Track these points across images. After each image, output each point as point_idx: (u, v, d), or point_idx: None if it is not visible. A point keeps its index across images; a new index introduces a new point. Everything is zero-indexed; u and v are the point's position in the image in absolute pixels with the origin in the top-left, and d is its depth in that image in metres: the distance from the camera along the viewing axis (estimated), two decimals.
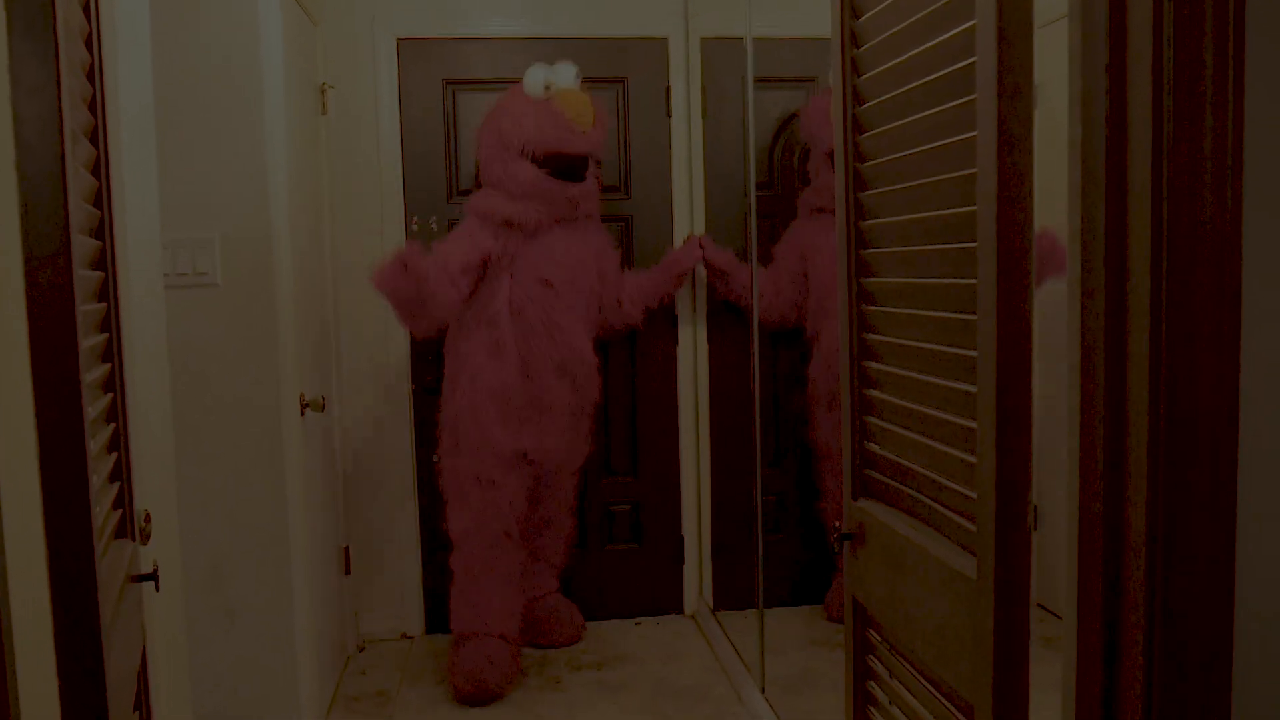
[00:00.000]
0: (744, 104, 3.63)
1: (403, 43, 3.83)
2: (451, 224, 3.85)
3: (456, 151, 3.89)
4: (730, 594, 4.04)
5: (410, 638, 4.00)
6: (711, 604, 4.06)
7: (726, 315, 3.99)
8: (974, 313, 1.40)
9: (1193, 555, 1.16)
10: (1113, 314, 1.19)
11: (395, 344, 3.88)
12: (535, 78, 3.48)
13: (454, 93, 3.88)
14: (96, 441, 1.39)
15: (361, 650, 3.88)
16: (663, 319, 4.02)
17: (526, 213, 3.42)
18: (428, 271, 3.19)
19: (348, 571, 3.83)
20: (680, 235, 4.02)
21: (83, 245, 1.35)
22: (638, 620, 4.11)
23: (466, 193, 3.87)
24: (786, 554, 4.00)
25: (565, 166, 3.43)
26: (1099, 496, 1.22)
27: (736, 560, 4.02)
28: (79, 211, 1.30)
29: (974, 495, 1.42)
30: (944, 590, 1.51)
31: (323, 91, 3.67)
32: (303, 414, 3.06)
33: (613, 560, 4.11)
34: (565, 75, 3.51)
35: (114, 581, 1.38)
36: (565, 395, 3.52)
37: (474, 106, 3.88)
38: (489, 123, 3.51)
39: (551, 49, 3.89)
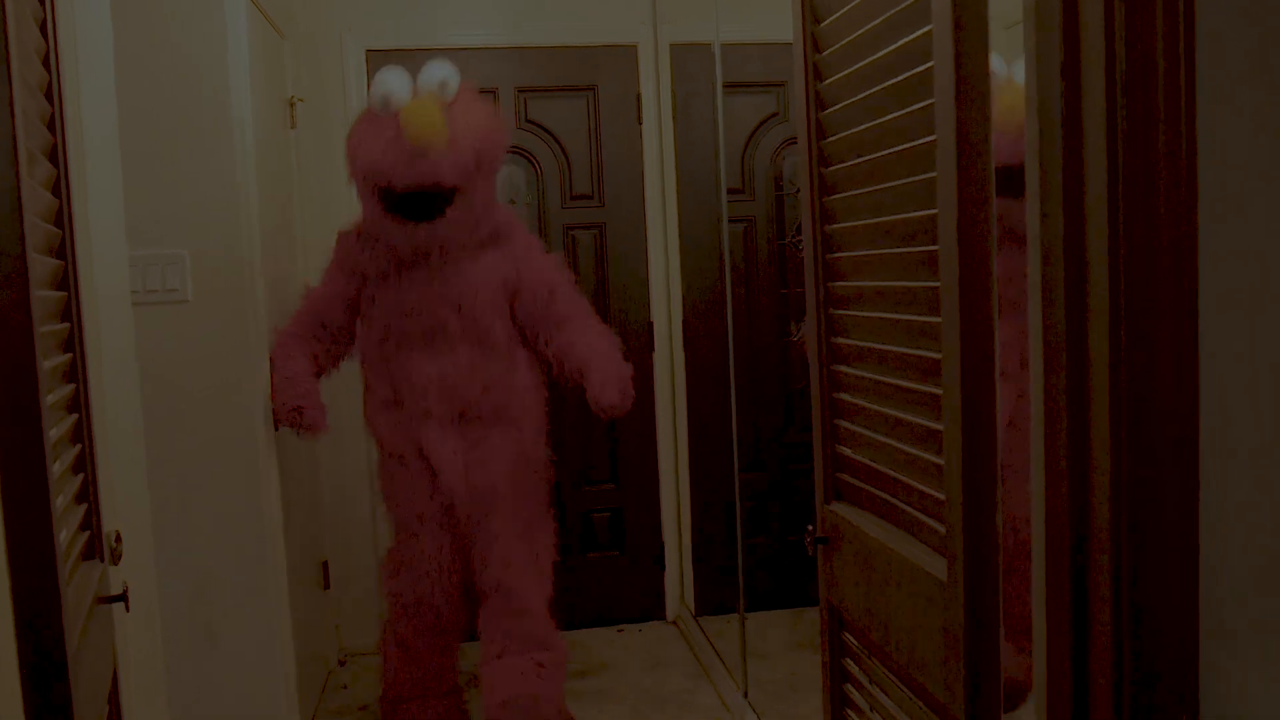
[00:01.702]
0: (714, 109, 3.64)
1: (372, 54, 3.83)
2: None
3: None
4: (712, 599, 4.04)
5: None
6: (694, 609, 4.07)
7: (703, 321, 4.00)
8: (938, 315, 1.41)
9: (1157, 550, 1.17)
10: (1073, 315, 1.20)
11: None
12: (378, 89, 2.84)
13: None
14: (61, 463, 1.38)
15: (343, 664, 3.86)
16: (638, 324, 4.02)
17: (364, 261, 3.00)
18: (275, 363, 3.02)
19: (328, 585, 3.81)
20: (654, 243, 4.02)
21: (42, 265, 1.34)
22: (620, 628, 4.10)
23: None
24: (768, 557, 4.01)
25: (412, 201, 2.83)
26: (1064, 494, 1.23)
27: (718, 565, 4.03)
28: (36, 231, 1.29)
29: (943, 497, 1.43)
30: (916, 592, 1.52)
31: (291, 105, 3.66)
32: (277, 428, 3.04)
33: (593, 568, 4.11)
34: (430, 76, 2.85)
35: (81, 604, 1.37)
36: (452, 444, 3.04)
37: None
38: (350, 132, 3.00)
39: (521, 58, 3.90)
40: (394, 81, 2.85)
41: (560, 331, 3.09)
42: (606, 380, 3.03)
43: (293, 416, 2.99)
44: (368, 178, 2.87)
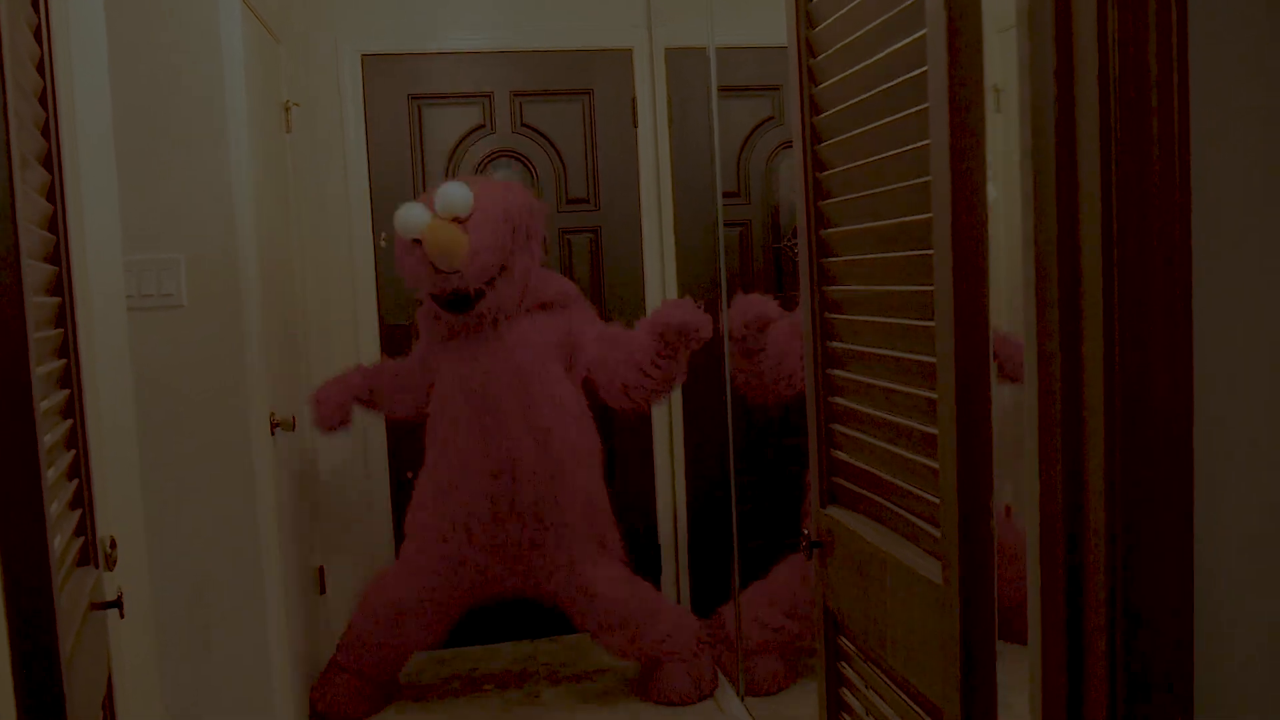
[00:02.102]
0: (709, 113, 3.64)
1: (367, 59, 3.83)
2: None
3: (423, 167, 3.89)
4: (709, 601, 4.03)
5: None
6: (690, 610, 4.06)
7: None
8: (933, 319, 1.41)
9: (1151, 553, 1.17)
10: (1067, 319, 1.20)
11: (366, 361, 3.86)
12: (401, 225, 3.29)
13: (420, 108, 3.87)
14: (55, 469, 1.38)
15: None
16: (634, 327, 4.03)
17: (435, 330, 3.46)
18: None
19: (323, 591, 3.80)
20: (650, 246, 4.02)
21: (36, 270, 1.34)
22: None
23: None
24: (764, 560, 4.00)
25: (446, 302, 3.32)
26: (1059, 497, 1.23)
27: (714, 567, 4.02)
28: (31, 237, 1.29)
29: (938, 501, 1.43)
30: (911, 595, 1.52)
31: (287, 109, 3.66)
32: (273, 433, 3.04)
33: None
34: (443, 203, 3.25)
35: (75, 610, 1.37)
36: (500, 502, 3.34)
37: (440, 121, 3.87)
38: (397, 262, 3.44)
39: (516, 62, 3.90)
40: (410, 216, 3.26)
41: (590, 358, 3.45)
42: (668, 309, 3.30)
43: (310, 403, 3.51)
44: (414, 286, 3.39)
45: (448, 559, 3.36)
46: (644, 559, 4.12)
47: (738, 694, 3.33)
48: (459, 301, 3.30)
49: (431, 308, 3.39)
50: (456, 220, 3.21)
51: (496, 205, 3.28)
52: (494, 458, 3.31)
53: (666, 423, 4.08)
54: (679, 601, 4.14)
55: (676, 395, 4.05)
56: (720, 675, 3.51)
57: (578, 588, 3.39)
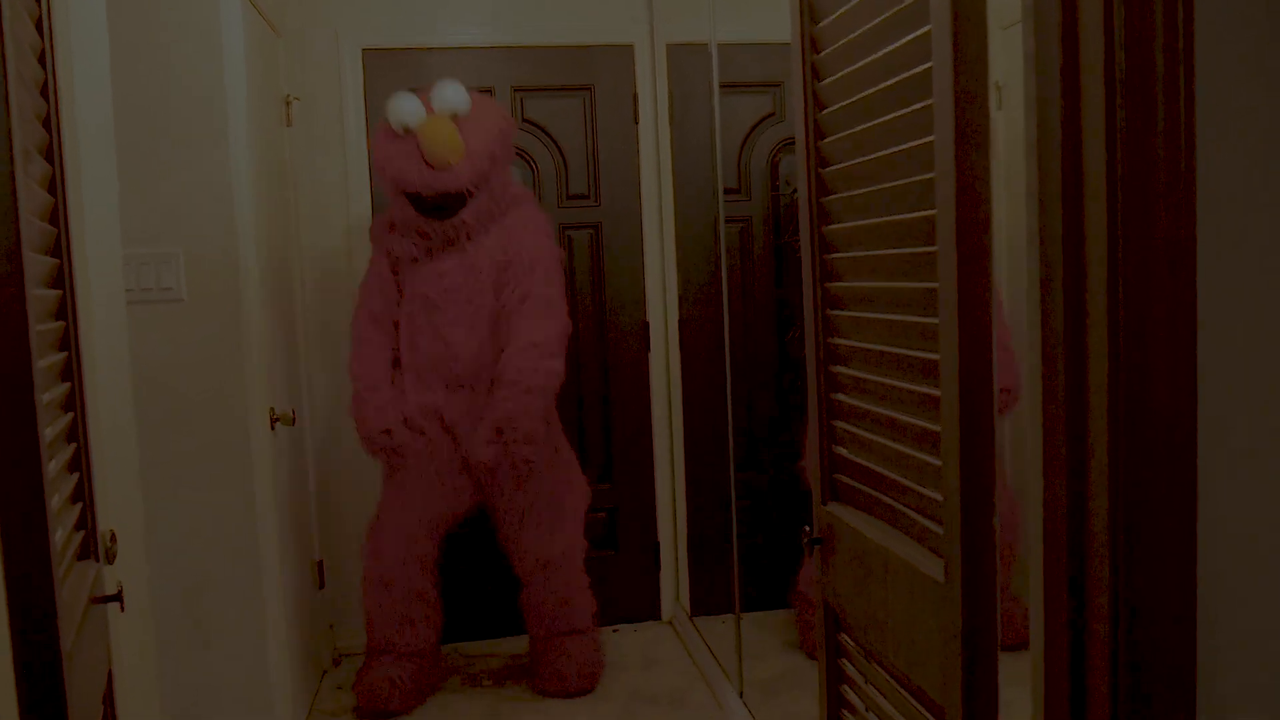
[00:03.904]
0: (711, 109, 3.64)
1: (368, 53, 3.82)
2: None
3: None
4: (707, 599, 4.04)
5: None
6: (689, 609, 4.06)
7: (699, 321, 4.00)
8: (936, 316, 1.41)
9: (1154, 550, 1.17)
10: (1072, 313, 1.20)
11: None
12: (396, 113, 3.28)
13: None
14: (56, 462, 1.37)
15: (337, 664, 3.85)
16: (634, 324, 4.02)
17: (403, 246, 3.39)
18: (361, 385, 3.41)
19: (322, 585, 3.80)
20: (650, 243, 4.01)
21: (38, 263, 1.34)
22: (615, 628, 4.10)
23: None
24: (763, 558, 4.00)
25: (432, 205, 3.28)
26: (1062, 493, 1.23)
27: (713, 565, 4.02)
28: (32, 229, 1.29)
29: (940, 498, 1.43)
30: (913, 593, 1.52)
31: (287, 104, 3.65)
32: (273, 428, 3.03)
33: (589, 567, 4.09)
34: (442, 98, 3.28)
35: (76, 604, 1.37)
36: (461, 407, 3.42)
37: None
38: (372, 143, 3.44)
39: (517, 57, 3.90)
40: (408, 107, 3.26)
41: (509, 320, 3.40)
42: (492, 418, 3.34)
43: (384, 439, 3.37)
44: (397, 186, 3.29)
45: (421, 472, 3.43)
46: (643, 557, 4.12)
47: (737, 693, 3.33)
48: (442, 205, 3.27)
49: (411, 218, 3.32)
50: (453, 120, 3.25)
51: (489, 115, 3.35)
52: (447, 357, 3.38)
53: (666, 421, 4.08)
54: (677, 599, 4.15)
55: (676, 390, 4.05)
56: (721, 675, 3.51)
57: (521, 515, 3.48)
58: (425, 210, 3.29)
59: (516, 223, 3.44)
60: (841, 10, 1.67)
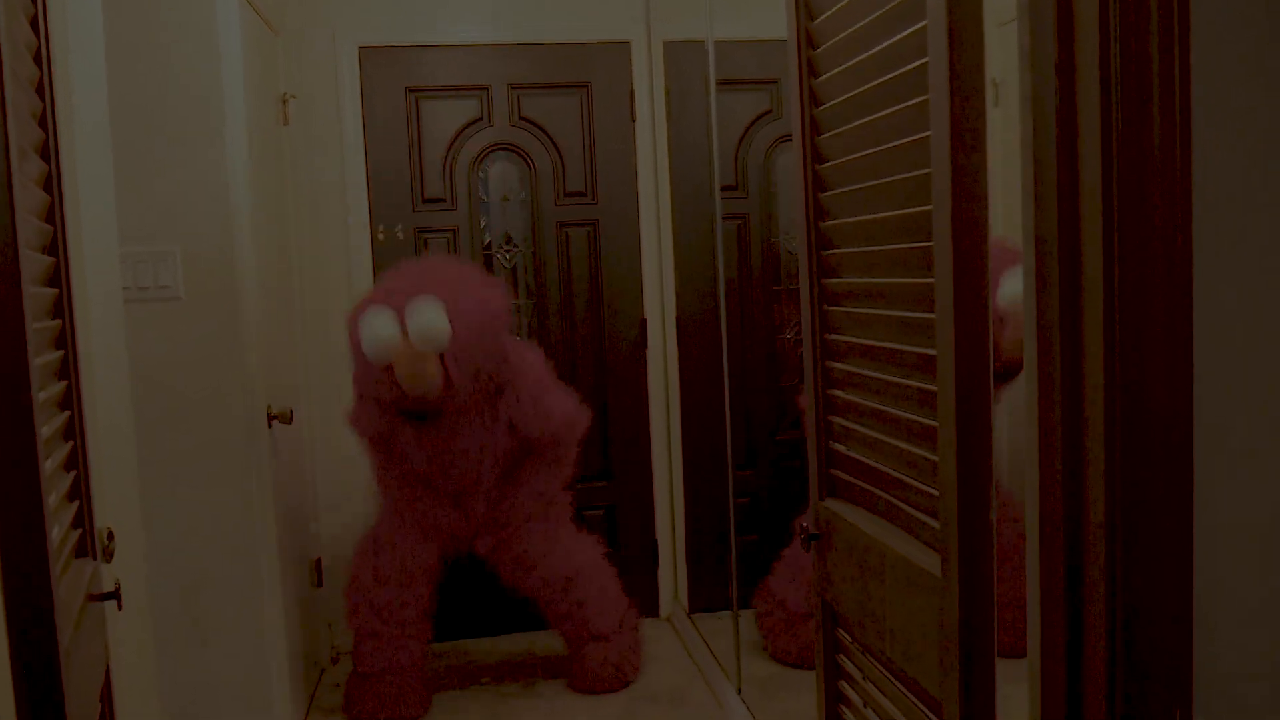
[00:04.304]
0: (708, 107, 3.64)
1: (364, 51, 3.82)
2: (417, 231, 3.85)
3: (421, 160, 3.88)
4: (705, 596, 4.04)
5: None
6: (687, 607, 4.07)
7: (696, 318, 4.00)
8: (933, 311, 1.41)
9: (1151, 550, 1.17)
10: (1068, 310, 1.20)
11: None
12: (374, 345, 2.96)
13: (417, 100, 3.87)
14: (53, 460, 1.37)
15: (335, 661, 3.85)
16: (631, 321, 4.03)
17: (385, 422, 3.27)
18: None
19: (320, 583, 3.80)
20: (648, 240, 4.01)
21: (34, 262, 1.34)
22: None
23: (431, 201, 3.87)
24: (760, 555, 4.01)
25: (408, 413, 3.20)
26: (1058, 490, 1.23)
27: (711, 563, 4.03)
28: (29, 227, 1.29)
29: (937, 493, 1.43)
30: (910, 588, 1.52)
31: (284, 102, 3.65)
32: (270, 426, 3.03)
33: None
34: (422, 334, 2.95)
35: (74, 601, 1.37)
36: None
37: (437, 114, 3.87)
38: (349, 323, 3.16)
39: (513, 55, 3.89)
40: (382, 332, 2.96)
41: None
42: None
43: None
44: (375, 394, 3.15)
45: (415, 513, 3.41)
46: (641, 555, 4.12)
47: (736, 690, 3.33)
48: (422, 412, 3.19)
49: (387, 418, 3.25)
50: None
51: (473, 328, 3.06)
52: (452, 490, 3.38)
53: (664, 419, 4.08)
54: (675, 596, 4.15)
55: (674, 387, 4.05)
56: (720, 673, 3.51)
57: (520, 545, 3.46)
58: (406, 415, 3.21)
59: (510, 384, 3.30)
60: (837, 6, 1.67)
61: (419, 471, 3.37)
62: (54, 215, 1.49)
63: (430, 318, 2.95)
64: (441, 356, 3.02)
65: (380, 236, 3.85)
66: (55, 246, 1.49)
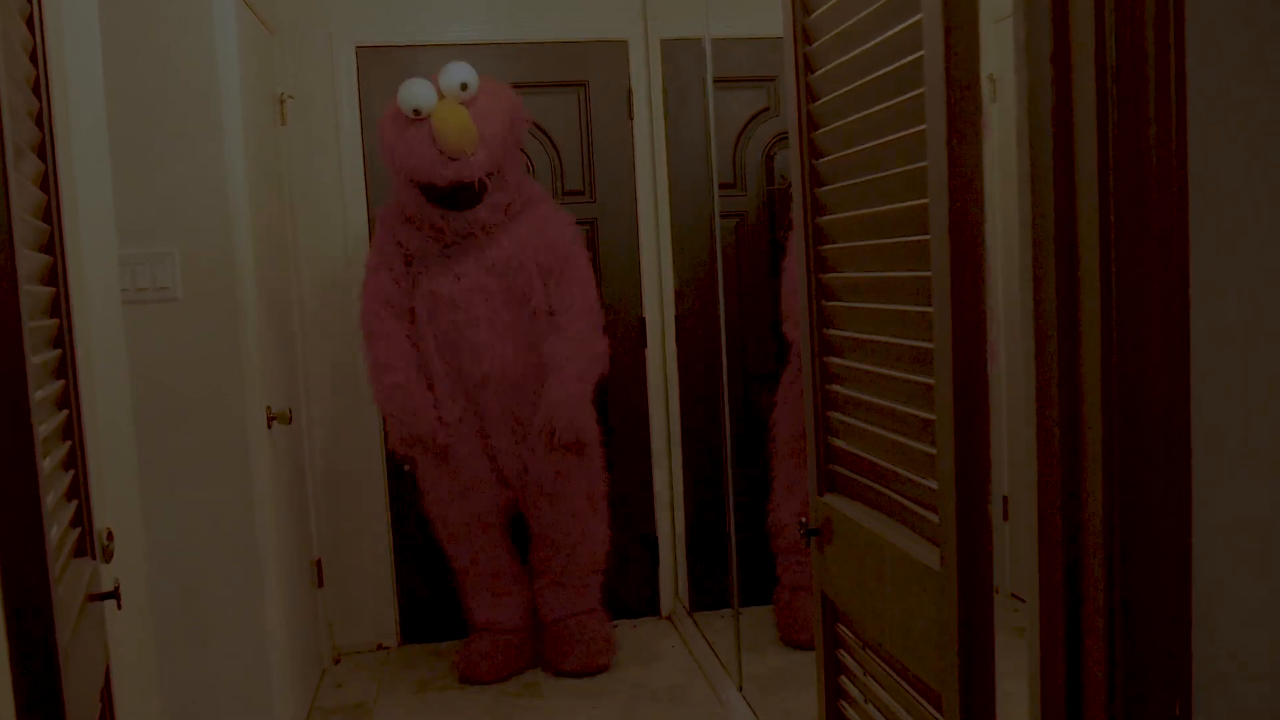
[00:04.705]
0: (705, 104, 3.64)
1: (362, 50, 3.82)
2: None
3: None
4: (706, 594, 4.04)
5: (386, 648, 3.97)
6: (688, 605, 4.07)
7: (695, 317, 4.00)
8: (930, 305, 1.41)
9: (1150, 548, 1.17)
10: (1064, 305, 1.20)
11: (362, 353, 3.85)
12: (407, 96, 3.18)
13: None
14: (51, 459, 1.37)
15: (337, 662, 3.85)
16: (630, 319, 4.02)
17: (418, 240, 3.34)
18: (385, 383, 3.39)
19: (321, 584, 3.80)
20: (646, 238, 4.01)
21: (31, 260, 1.34)
22: (614, 623, 4.09)
23: None
24: (761, 553, 4.00)
25: (447, 195, 3.21)
26: (1057, 486, 1.23)
27: (711, 560, 4.02)
28: (24, 226, 1.29)
29: (935, 487, 1.43)
30: (909, 582, 1.52)
31: (282, 102, 3.65)
32: (270, 427, 3.03)
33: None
34: (451, 80, 3.18)
35: (73, 601, 1.37)
36: (491, 412, 3.45)
37: None
38: (379, 130, 3.35)
39: (511, 54, 3.89)
40: (420, 90, 3.17)
41: (552, 319, 3.41)
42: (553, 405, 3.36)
43: (432, 435, 3.37)
44: (409, 176, 3.20)
45: (456, 476, 3.48)
46: (642, 552, 4.12)
47: (737, 687, 3.33)
48: (463, 193, 3.19)
49: (423, 210, 3.25)
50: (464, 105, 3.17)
51: (500, 98, 3.25)
52: (470, 359, 3.36)
53: (663, 416, 4.08)
54: (676, 594, 4.15)
55: (673, 385, 4.05)
56: (721, 670, 3.51)
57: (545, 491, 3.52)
58: (437, 200, 3.22)
59: (537, 221, 3.40)
60: (832, 1, 1.67)
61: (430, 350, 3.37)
62: (51, 214, 1.49)
63: (461, 66, 3.20)
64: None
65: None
66: (52, 245, 1.49)
